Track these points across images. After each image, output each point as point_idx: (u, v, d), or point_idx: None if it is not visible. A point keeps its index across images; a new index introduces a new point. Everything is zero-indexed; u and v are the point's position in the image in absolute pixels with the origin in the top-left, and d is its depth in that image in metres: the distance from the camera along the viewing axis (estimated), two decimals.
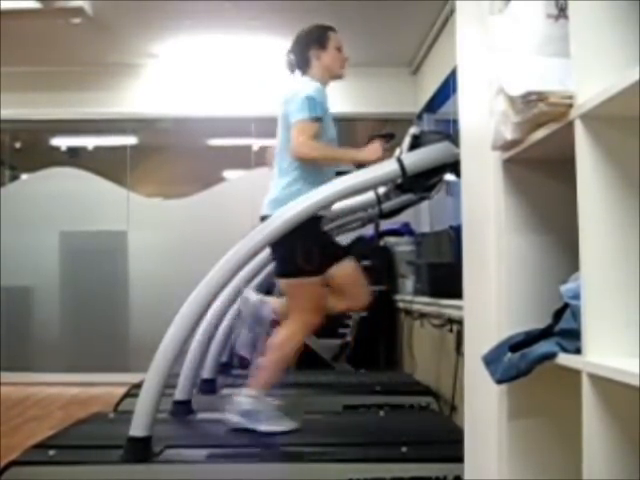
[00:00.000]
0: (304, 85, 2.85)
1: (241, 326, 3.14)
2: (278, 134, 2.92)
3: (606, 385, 1.07)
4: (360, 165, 3.04)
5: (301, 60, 2.94)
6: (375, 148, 2.82)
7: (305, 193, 2.74)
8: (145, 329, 5.40)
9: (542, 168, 1.50)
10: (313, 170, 2.82)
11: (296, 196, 2.74)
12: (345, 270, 2.90)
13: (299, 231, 2.68)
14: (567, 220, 1.28)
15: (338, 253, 2.93)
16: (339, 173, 2.94)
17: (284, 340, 2.82)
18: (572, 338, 1.21)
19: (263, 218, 2.79)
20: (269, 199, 2.84)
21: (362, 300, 3.01)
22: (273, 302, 3.10)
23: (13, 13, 4.38)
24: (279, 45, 3.16)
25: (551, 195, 1.50)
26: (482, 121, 1.58)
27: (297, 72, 2.98)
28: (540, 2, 1.32)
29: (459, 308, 2.36)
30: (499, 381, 1.39)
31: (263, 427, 2.72)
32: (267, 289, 3.77)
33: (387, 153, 2.94)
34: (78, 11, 4.50)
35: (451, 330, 3.40)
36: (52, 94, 5.68)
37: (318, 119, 2.75)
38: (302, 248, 2.73)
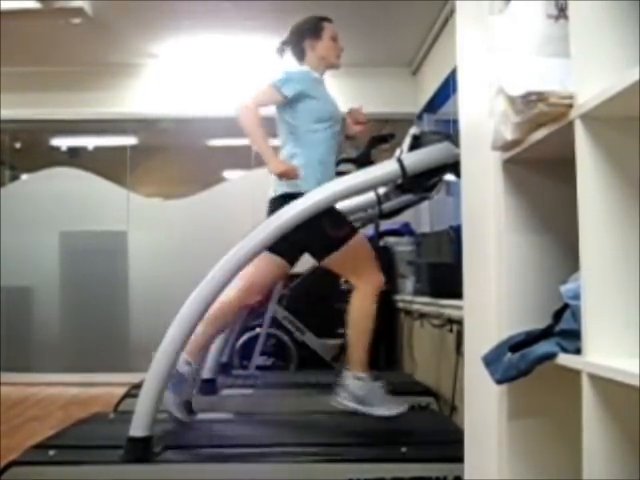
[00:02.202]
0: (292, 66, 2.93)
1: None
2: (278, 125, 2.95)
3: (606, 385, 1.07)
4: (361, 165, 3.04)
5: (297, 50, 2.98)
6: (283, 165, 2.78)
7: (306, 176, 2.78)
8: (145, 329, 5.40)
9: (542, 168, 1.50)
10: (316, 163, 2.84)
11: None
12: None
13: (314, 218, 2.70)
14: (567, 220, 1.28)
15: (348, 233, 2.91)
16: (339, 174, 2.95)
17: (360, 314, 2.82)
18: (572, 338, 1.21)
19: (276, 199, 2.83)
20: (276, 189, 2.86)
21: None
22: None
23: (13, 13, 4.38)
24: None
25: (551, 195, 1.50)
26: (482, 121, 1.58)
27: (286, 56, 3.01)
28: (540, 2, 1.32)
29: (459, 308, 2.36)
30: (499, 381, 1.39)
31: (379, 411, 2.76)
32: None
33: (387, 153, 2.94)
34: (78, 11, 4.49)
35: (451, 330, 3.40)
36: (52, 94, 5.67)
37: (279, 92, 2.79)
38: (325, 224, 2.75)
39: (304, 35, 2.96)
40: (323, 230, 2.76)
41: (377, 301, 2.86)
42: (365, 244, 2.94)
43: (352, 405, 2.78)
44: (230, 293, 2.95)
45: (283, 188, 2.82)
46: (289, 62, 3.03)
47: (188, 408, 2.97)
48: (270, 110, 3.01)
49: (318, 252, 2.87)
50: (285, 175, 2.73)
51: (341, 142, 3.07)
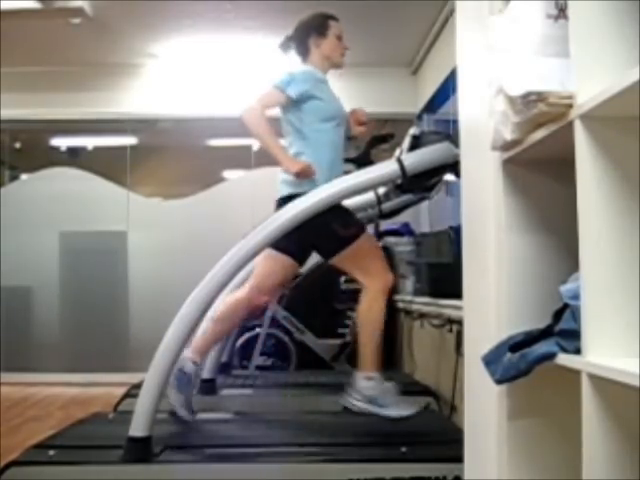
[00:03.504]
0: (297, 67, 2.90)
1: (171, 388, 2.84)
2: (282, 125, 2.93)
3: (606, 385, 1.07)
4: (361, 165, 3.04)
5: (301, 47, 2.96)
6: (301, 166, 2.75)
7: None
8: (145, 329, 5.40)
9: (542, 168, 1.50)
10: (324, 163, 2.83)
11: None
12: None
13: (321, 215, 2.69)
14: (567, 220, 1.28)
15: (356, 231, 2.88)
16: None
17: (370, 314, 2.82)
18: (572, 338, 1.21)
19: (282, 200, 2.81)
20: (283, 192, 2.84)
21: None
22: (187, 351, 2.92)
23: (13, 13, 4.38)
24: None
25: (551, 195, 1.50)
26: (482, 121, 1.58)
27: (290, 52, 3.00)
28: (540, 2, 1.32)
29: (459, 308, 2.36)
30: (499, 381, 1.39)
31: (390, 412, 2.75)
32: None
33: (387, 153, 2.94)
34: (78, 11, 4.49)
35: (451, 330, 3.40)
36: (52, 94, 5.67)
37: (283, 93, 2.77)
38: (334, 222, 2.74)
39: (309, 32, 2.94)
40: (331, 228, 2.75)
41: (386, 300, 2.84)
42: (374, 243, 2.93)
43: (363, 406, 2.77)
44: (238, 293, 2.96)
45: (288, 189, 2.81)
46: (293, 59, 3.02)
47: (189, 407, 2.96)
48: (274, 110, 3.01)
49: (326, 251, 2.86)
50: (302, 174, 2.71)
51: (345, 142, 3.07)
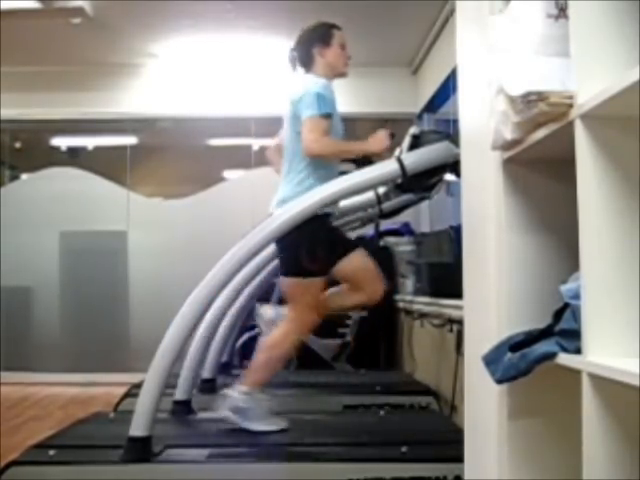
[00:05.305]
0: (312, 82, 2.83)
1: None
2: (286, 133, 2.90)
3: (606, 385, 1.07)
4: (361, 165, 3.04)
5: (305, 57, 2.94)
6: (380, 138, 2.83)
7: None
8: (145, 329, 5.40)
9: (542, 168, 1.50)
10: (322, 166, 2.81)
11: (307, 192, 2.75)
12: (356, 262, 2.85)
13: (306, 231, 2.68)
14: (567, 220, 1.28)
15: (347, 247, 2.88)
16: (340, 173, 2.94)
17: (278, 339, 2.82)
18: (572, 338, 1.21)
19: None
20: (280, 197, 2.83)
21: (377, 291, 2.89)
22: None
23: (13, 13, 4.38)
24: (279, 45, 3.18)
25: (551, 195, 1.50)
26: (482, 121, 1.58)
27: (299, 69, 2.97)
28: (540, 2, 1.32)
29: (459, 308, 2.35)
30: (499, 381, 1.39)
31: (253, 426, 2.73)
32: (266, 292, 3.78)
33: (387, 153, 2.94)
34: (78, 11, 4.50)
35: (451, 330, 3.40)
36: (52, 94, 5.68)
37: (328, 116, 2.74)
38: (307, 249, 2.72)
39: (313, 42, 2.91)
40: (323, 246, 2.74)
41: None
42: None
43: (229, 415, 2.75)
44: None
45: (289, 192, 2.79)
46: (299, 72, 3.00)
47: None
48: (277, 110, 3.01)
49: (321, 267, 2.82)
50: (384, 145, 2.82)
51: None
